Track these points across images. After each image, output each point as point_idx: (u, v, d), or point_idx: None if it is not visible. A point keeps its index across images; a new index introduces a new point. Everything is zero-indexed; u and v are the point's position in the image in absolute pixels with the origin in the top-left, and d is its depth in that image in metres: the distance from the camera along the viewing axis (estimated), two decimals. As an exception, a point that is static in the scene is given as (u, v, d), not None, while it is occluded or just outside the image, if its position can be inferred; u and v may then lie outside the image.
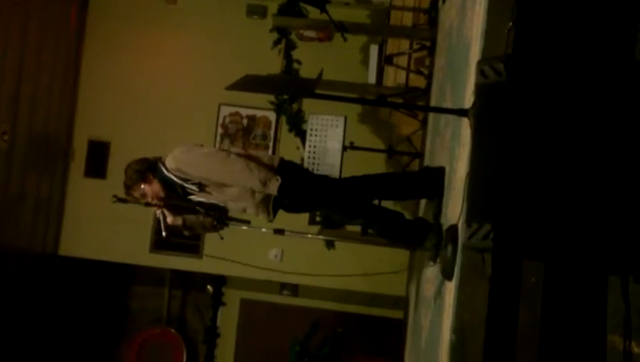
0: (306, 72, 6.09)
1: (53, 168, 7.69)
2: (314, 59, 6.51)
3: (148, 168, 3.61)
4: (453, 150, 3.21)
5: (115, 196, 3.53)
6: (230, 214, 3.70)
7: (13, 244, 6.93)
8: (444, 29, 4.73)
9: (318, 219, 5.97)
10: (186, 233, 3.67)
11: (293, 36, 6.37)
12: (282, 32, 6.13)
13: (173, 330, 8.12)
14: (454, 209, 2.83)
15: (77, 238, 7.82)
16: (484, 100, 2.09)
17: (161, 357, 8.11)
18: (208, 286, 7.90)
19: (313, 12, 5.82)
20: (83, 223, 7.79)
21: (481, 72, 2.05)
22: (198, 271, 7.86)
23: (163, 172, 3.56)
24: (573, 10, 2.32)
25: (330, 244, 6.32)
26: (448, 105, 3.62)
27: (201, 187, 3.46)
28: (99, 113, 7.85)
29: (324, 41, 7.36)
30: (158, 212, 3.61)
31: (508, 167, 1.84)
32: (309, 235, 5.00)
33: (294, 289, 7.93)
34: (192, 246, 7.65)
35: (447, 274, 2.85)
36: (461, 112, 2.96)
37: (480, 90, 2.10)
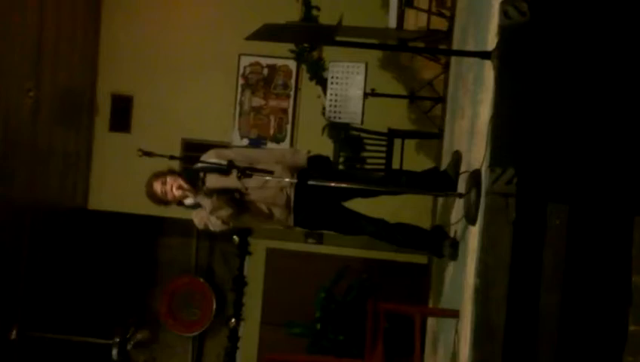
0: (325, 18, 6.01)
1: (78, 123, 7.76)
2: (333, 5, 6.40)
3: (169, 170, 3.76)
4: (476, 94, 3.16)
5: (140, 150, 3.57)
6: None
7: (42, 199, 7.07)
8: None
9: (341, 167, 5.98)
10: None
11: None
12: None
13: (201, 279, 8.28)
14: (478, 153, 2.82)
15: (105, 192, 7.93)
16: (508, 42, 2.05)
17: (191, 304, 8.30)
18: (234, 236, 8.00)
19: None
20: (110, 177, 7.89)
21: (504, 12, 2.01)
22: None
23: (192, 166, 3.75)
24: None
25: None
26: (471, 47, 3.56)
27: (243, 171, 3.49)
28: (120, 67, 7.85)
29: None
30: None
31: (532, 111, 1.81)
32: (332, 184, 5.02)
33: (319, 237, 8.00)
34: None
35: (471, 219, 2.85)
36: (484, 55, 2.91)
37: (503, 31, 2.06)
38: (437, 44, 5.88)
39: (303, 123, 7.66)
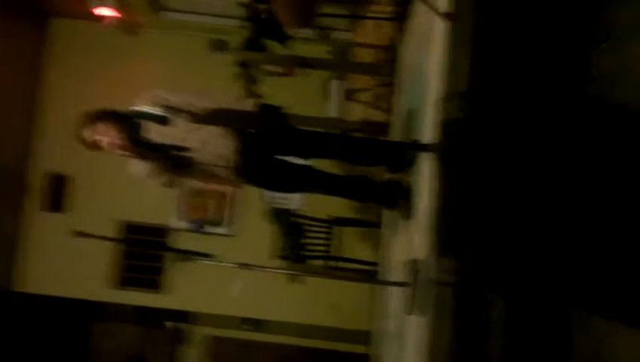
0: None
1: (9, 202, 7.50)
2: (276, 93, 6.54)
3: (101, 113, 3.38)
4: (415, 184, 3.24)
5: (75, 230, 3.43)
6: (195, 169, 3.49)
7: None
8: (405, 66, 4.82)
9: (281, 253, 5.94)
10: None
11: (255, 71, 6.40)
12: (244, 67, 6.16)
13: (133, 368, 7.91)
14: (418, 242, 2.85)
15: (35, 274, 7.60)
16: (448, 135, 2.13)
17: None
18: (169, 323, 7.73)
19: (276, 47, 5.87)
20: (42, 258, 7.59)
21: (443, 108, 2.09)
22: (160, 307, 7.71)
23: (128, 111, 3.37)
24: (530, 45, 2.39)
25: (293, 278, 6.28)
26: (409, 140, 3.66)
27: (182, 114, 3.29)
28: (55, 145, 7.71)
29: (287, 76, 7.41)
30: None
31: (471, 203, 1.86)
32: (272, 269, 4.96)
33: (256, 324, 7.82)
34: (154, 281, 7.52)
35: (411, 309, 2.85)
36: (422, 147, 3.01)
37: (442, 126, 2.14)
38: (376, 136, 6.04)
39: (243, 207, 7.63)
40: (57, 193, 7.68)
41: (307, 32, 6.82)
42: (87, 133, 3.39)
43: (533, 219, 1.85)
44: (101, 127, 3.35)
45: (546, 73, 2.34)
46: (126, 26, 7.63)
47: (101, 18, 7.15)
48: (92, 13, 7.06)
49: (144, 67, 7.77)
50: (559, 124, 1.98)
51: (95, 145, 3.41)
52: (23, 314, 7.64)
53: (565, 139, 1.94)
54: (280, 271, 5.23)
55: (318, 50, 7.37)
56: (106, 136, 3.34)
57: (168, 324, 7.73)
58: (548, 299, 1.96)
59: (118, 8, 7.10)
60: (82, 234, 3.44)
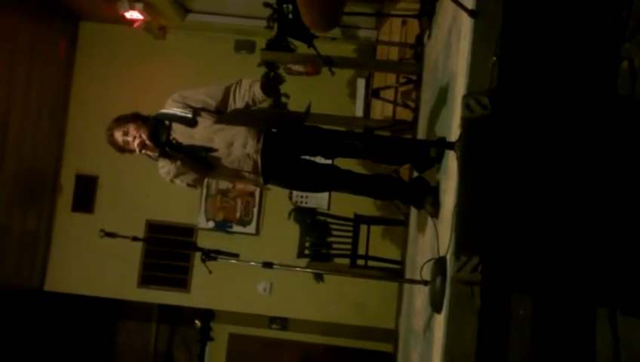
0: (294, 105, 6.13)
1: (40, 203, 7.64)
2: (302, 92, 6.57)
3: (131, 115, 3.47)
4: (441, 183, 3.23)
5: (102, 230, 3.48)
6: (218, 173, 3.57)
7: (-3, 280, 6.85)
8: (430, 63, 4.80)
9: (306, 252, 5.96)
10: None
11: (281, 70, 6.43)
12: (270, 67, 6.19)
13: (160, 366, 8.01)
14: (442, 241, 2.84)
15: (63, 273, 7.73)
16: (471, 133, 2.11)
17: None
18: (196, 321, 7.80)
19: (301, 47, 5.89)
20: (70, 258, 7.71)
21: (466, 105, 2.08)
22: (185, 305, 7.79)
23: (156, 113, 3.45)
24: (557, 43, 2.37)
25: (318, 277, 6.29)
26: (435, 138, 3.65)
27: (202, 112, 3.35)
28: (87, 147, 7.83)
29: (312, 75, 7.42)
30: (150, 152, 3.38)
31: (495, 200, 1.85)
32: (298, 268, 4.99)
33: (284, 323, 7.85)
34: (180, 280, 7.59)
35: (436, 307, 2.84)
36: (448, 145, 3.00)
37: (466, 123, 2.12)
38: (402, 133, 6.03)
39: (269, 207, 7.66)
40: (87, 194, 7.80)
41: (332, 31, 6.83)
42: (118, 135, 3.46)
43: (558, 216, 1.84)
44: (131, 128, 3.43)
45: (573, 70, 2.32)
46: (154, 29, 7.73)
47: (130, 21, 7.26)
48: (121, 17, 7.17)
49: (171, 69, 7.85)
50: (586, 122, 1.96)
51: (125, 147, 3.49)
52: (53, 312, 7.78)
53: (592, 136, 1.92)
54: (305, 270, 5.24)
55: (343, 49, 7.38)
56: (136, 137, 3.41)
57: (195, 323, 7.79)
58: (573, 295, 1.94)
59: (146, 12, 7.19)
60: (110, 235, 3.51)
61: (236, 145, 3.44)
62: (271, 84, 3.84)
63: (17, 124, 6.96)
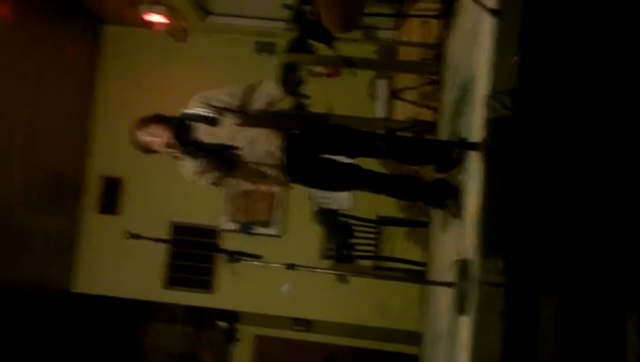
0: (315, 107, 6.14)
1: (66, 205, 7.74)
2: (322, 94, 6.57)
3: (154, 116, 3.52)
4: (463, 184, 3.21)
5: (128, 232, 3.52)
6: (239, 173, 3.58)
7: (26, 281, 6.94)
8: (452, 64, 4.77)
9: (330, 253, 5.96)
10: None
11: (303, 72, 6.44)
12: (291, 68, 6.20)
13: (186, 367, 8.07)
14: (466, 242, 2.82)
15: (90, 275, 7.82)
16: (494, 134, 2.10)
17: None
18: (221, 323, 7.84)
19: (321, 48, 5.89)
20: (96, 260, 7.80)
21: (489, 106, 2.07)
22: (209, 306, 7.83)
23: (179, 113, 3.49)
24: (578, 42, 2.34)
25: (342, 279, 6.29)
26: (456, 139, 3.63)
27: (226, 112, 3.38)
28: (111, 150, 7.92)
29: (333, 77, 7.42)
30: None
31: (520, 201, 1.84)
32: (321, 270, 4.99)
33: (308, 325, 7.86)
34: (204, 281, 7.64)
35: (461, 309, 2.83)
36: (470, 146, 2.98)
37: (489, 124, 2.11)
38: (424, 134, 5.99)
39: (292, 208, 7.68)
40: (111, 196, 7.88)
41: (353, 33, 6.82)
42: (141, 136, 3.50)
43: (585, 217, 1.81)
44: (154, 129, 3.48)
45: (595, 70, 2.29)
46: (175, 32, 7.79)
47: (151, 24, 7.33)
48: (143, 20, 7.24)
49: (193, 71, 7.90)
50: (612, 121, 1.94)
51: (148, 148, 3.53)
52: (80, 314, 7.87)
53: (615, 136, 1.89)
54: (328, 271, 5.24)
55: (363, 50, 7.36)
56: (159, 137, 3.46)
57: (219, 324, 7.83)
58: (601, 298, 1.92)
59: (167, 15, 7.25)
60: (134, 236, 3.54)
61: (259, 142, 3.48)
62: (289, 81, 3.86)
63: (44, 127, 7.07)
